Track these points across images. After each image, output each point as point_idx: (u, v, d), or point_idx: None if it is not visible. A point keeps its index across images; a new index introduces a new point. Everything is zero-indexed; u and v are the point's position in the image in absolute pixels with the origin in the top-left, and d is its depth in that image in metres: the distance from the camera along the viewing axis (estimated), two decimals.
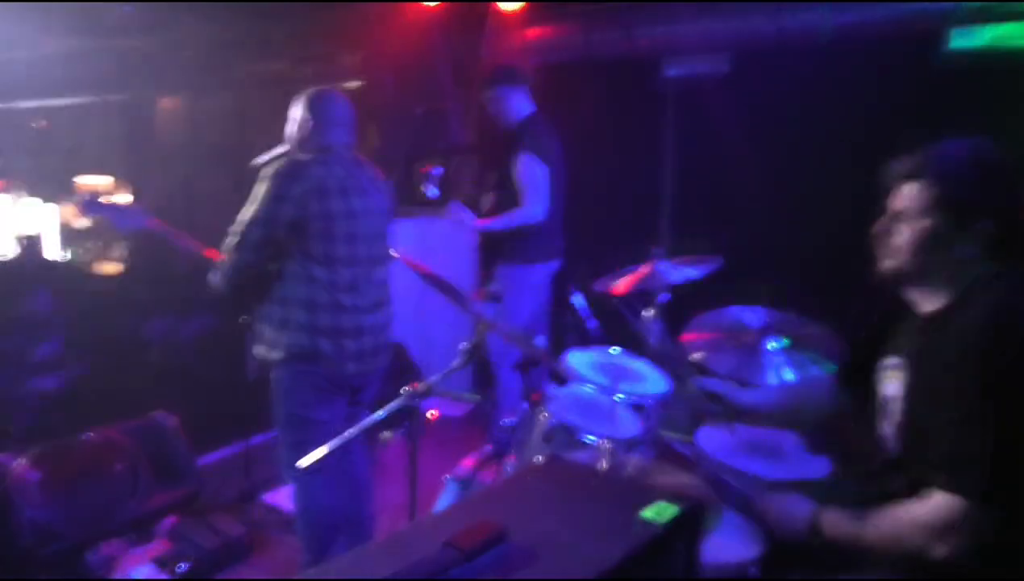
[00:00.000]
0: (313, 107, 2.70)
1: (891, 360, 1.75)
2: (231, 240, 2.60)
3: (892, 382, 1.73)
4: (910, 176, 1.63)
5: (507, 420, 2.79)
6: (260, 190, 2.57)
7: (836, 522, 1.68)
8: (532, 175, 3.70)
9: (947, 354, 1.53)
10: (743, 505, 1.96)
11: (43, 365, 4.41)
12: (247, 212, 2.58)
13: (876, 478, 1.82)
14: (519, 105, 3.85)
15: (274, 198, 2.53)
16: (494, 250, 3.93)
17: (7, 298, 4.48)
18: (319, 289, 2.60)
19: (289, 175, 2.54)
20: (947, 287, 1.63)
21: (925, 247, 1.61)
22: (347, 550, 2.85)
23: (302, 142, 2.72)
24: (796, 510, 1.74)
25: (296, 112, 2.74)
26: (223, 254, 2.65)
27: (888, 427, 1.72)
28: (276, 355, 2.66)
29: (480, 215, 3.89)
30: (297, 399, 2.69)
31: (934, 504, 1.51)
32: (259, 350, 2.73)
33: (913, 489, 1.67)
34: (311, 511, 2.79)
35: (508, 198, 3.78)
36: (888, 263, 1.67)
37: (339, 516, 2.86)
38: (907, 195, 1.63)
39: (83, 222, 9.47)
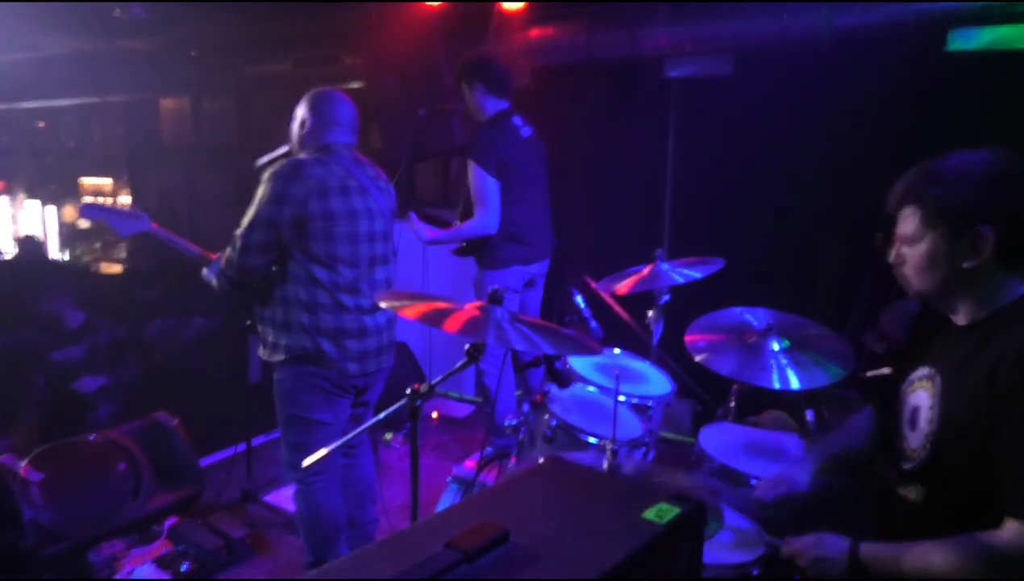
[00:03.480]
0: (314, 107, 2.70)
1: (921, 370, 1.74)
2: (234, 243, 2.60)
3: (921, 392, 1.71)
4: (903, 201, 1.66)
5: (509, 421, 2.78)
6: (261, 192, 2.57)
7: (880, 556, 1.59)
8: (479, 186, 3.57)
9: (1003, 377, 1.49)
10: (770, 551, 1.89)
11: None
12: (249, 215, 2.58)
13: (892, 487, 1.79)
14: (485, 103, 3.71)
15: (274, 199, 2.53)
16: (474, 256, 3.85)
17: (49, 319, 4.52)
18: (321, 290, 2.60)
19: (289, 176, 2.54)
20: (973, 298, 1.63)
21: (930, 268, 1.62)
22: (350, 551, 2.85)
23: (302, 142, 2.72)
24: (830, 549, 1.65)
25: (299, 112, 2.75)
26: (226, 256, 2.65)
27: (916, 437, 1.69)
28: (278, 357, 2.67)
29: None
30: (300, 400, 2.69)
31: (1012, 533, 1.45)
32: (262, 352, 2.74)
33: (934, 501, 1.66)
34: (314, 512, 2.79)
35: (470, 207, 3.68)
36: (911, 289, 1.70)
37: (342, 517, 2.86)
38: (904, 221, 1.65)
39: (84, 223, 9.49)
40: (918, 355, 1.79)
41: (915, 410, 1.72)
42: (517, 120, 3.78)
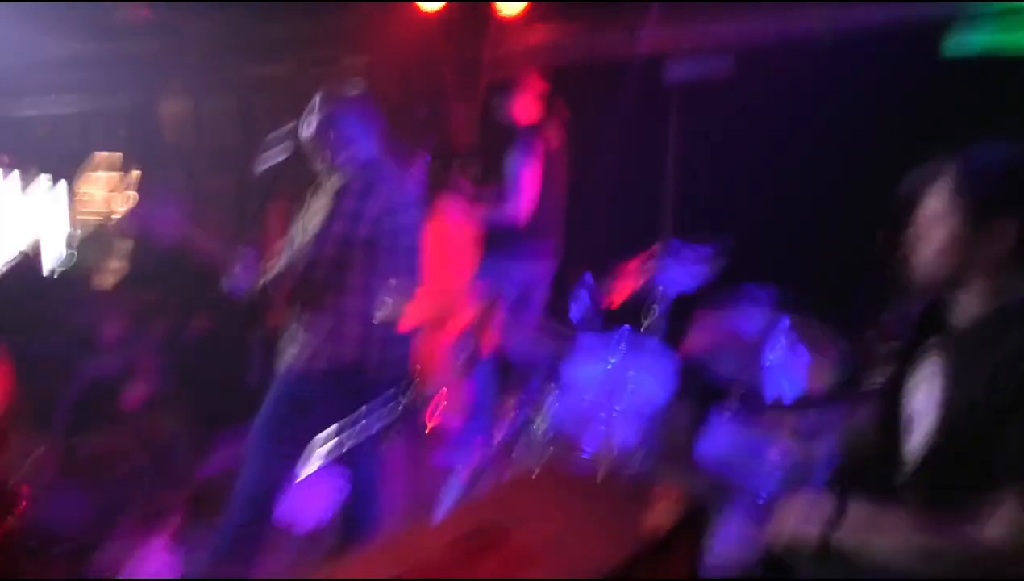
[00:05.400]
0: (345, 118, 2.70)
1: (920, 372, 1.71)
2: (299, 255, 2.54)
3: (920, 394, 1.68)
4: (932, 177, 1.62)
5: (512, 421, 2.79)
6: (328, 205, 2.53)
7: (866, 522, 1.53)
8: (516, 175, 3.82)
9: (1006, 376, 1.48)
10: (752, 514, 1.88)
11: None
12: (316, 225, 2.53)
13: (892, 493, 1.78)
14: (514, 114, 3.98)
15: (351, 217, 2.51)
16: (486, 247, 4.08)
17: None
18: (376, 301, 2.61)
19: (363, 193, 2.53)
20: (983, 291, 1.60)
21: (951, 249, 1.59)
22: (350, 550, 2.85)
23: (353, 156, 2.68)
24: (813, 511, 1.58)
25: (322, 132, 2.70)
26: (282, 266, 2.59)
27: (915, 439, 1.66)
28: (318, 366, 2.63)
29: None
30: (315, 391, 2.66)
31: (999, 525, 1.41)
32: (295, 359, 2.68)
33: (930, 505, 1.63)
34: (268, 480, 2.70)
35: (501, 197, 3.92)
36: (920, 271, 1.66)
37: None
38: (928, 202, 1.62)
39: (86, 224, 9.51)
40: (917, 357, 1.76)
41: (914, 412, 1.70)
42: (549, 128, 4.05)
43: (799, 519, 1.62)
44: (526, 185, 3.81)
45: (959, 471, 1.56)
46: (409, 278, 2.71)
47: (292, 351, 2.71)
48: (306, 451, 2.59)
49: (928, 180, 1.64)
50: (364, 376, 2.67)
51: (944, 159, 1.63)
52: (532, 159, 3.83)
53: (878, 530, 1.53)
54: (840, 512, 1.56)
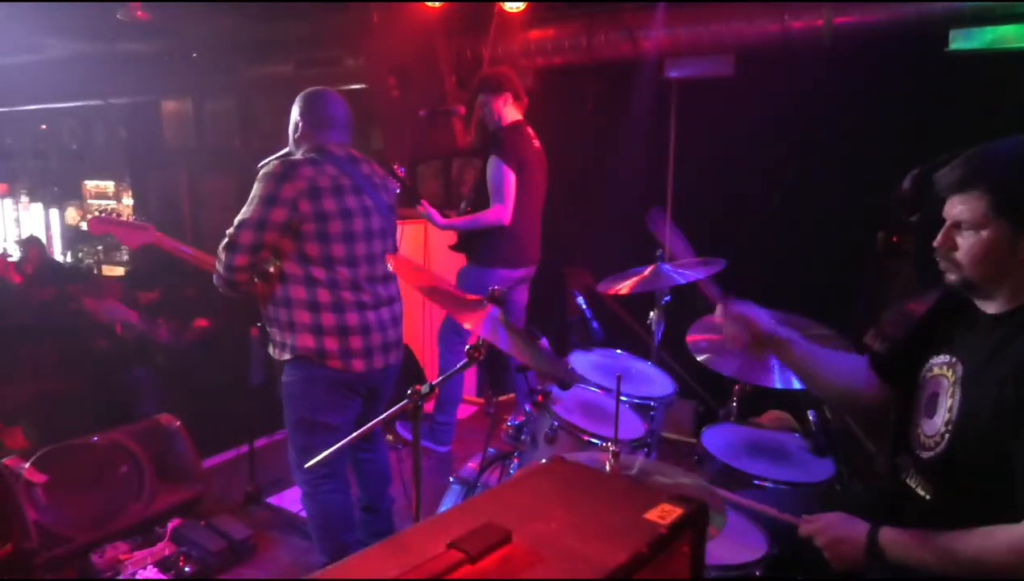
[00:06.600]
0: (306, 108, 2.70)
1: (941, 357, 1.71)
2: (223, 242, 2.58)
3: (941, 379, 1.68)
4: (962, 186, 1.60)
5: (512, 421, 2.79)
6: (253, 192, 2.56)
7: (900, 541, 1.57)
8: (499, 180, 3.77)
9: None
10: (782, 532, 1.88)
11: None
12: (240, 214, 2.56)
13: (903, 480, 1.77)
14: (499, 112, 3.91)
15: (265, 200, 2.51)
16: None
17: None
18: (321, 288, 2.59)
19: (280, 177, 2.52)
20: (1015, 287, 1.60)
21: (990, 256, 1.58)
22: (369, 536, 2.86)
23: (297, 143, 2.72)
24: (849, 530, 1.64)
25: (292, 114, 2.74)
26: (217, 256, 2.63)
27: (933, 425, 1.67)
28: (286, 356, 2.66)
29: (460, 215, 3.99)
30: (308, 403, 2.69)
31: None
32: (272, 351, 2.73)
33: (946, 496, 1.64)
34: (322, 514, 2.78)
35: (482, 201, 3.86)
36: (954, 276, 1.65)
37: (352, 516, 2.85)
38: (963, 206, 1.59)
39: (87, 226, 9.53)
40: (938, 342, 1.75)
41: (934, 396, 1.69)
42: (530, 130, 3.97)
43: (833, 539, 1.65)
44: (507, 186, 3.76)
45: (978, 456, 1.55)
46: (350, 267, 2.63)
47: (258, 346, 2.74)
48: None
49: (961, 181, 1.60)
50: (333, 368, 2.63)
51: (974, 158, 1.60)
52: (512, 160, 3.77)
53: (922, 546, 1.54)
54: (875, 535, 1.60)
